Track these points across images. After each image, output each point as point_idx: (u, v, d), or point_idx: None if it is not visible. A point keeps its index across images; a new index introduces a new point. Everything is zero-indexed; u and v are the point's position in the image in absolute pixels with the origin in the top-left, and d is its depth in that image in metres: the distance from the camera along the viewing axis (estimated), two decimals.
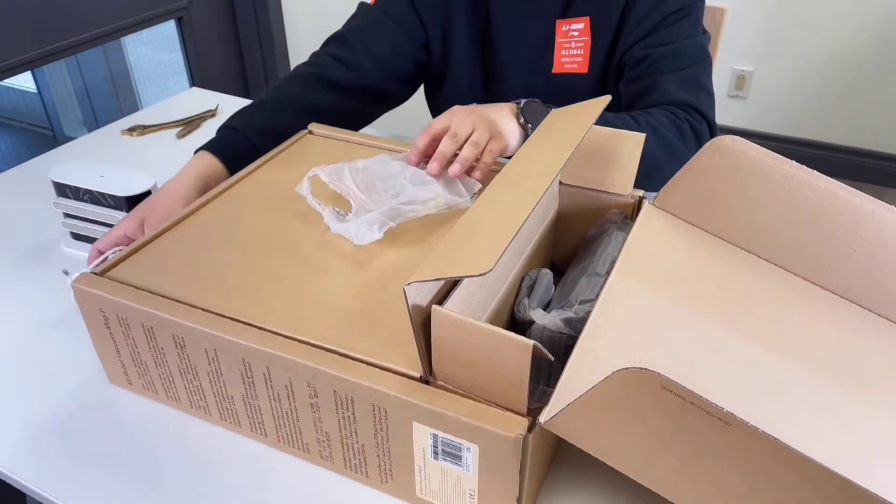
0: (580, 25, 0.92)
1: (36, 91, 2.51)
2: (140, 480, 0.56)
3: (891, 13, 2.15)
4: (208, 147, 0.81)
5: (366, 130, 0.94)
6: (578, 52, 0.93)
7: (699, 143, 0.86)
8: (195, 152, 0.81)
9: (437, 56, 1.01)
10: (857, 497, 0.36)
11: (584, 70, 0.94)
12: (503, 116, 0.76)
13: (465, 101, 1.02)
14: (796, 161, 0.62)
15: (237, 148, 0.81)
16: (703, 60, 0.91)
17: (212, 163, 0.79)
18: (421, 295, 0.47)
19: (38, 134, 2.60)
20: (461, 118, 0.72)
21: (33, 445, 0.59)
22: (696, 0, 0.90)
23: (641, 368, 0.38)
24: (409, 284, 0.44)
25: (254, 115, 0.85)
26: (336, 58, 0.93)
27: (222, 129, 0.84)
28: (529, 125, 0.77)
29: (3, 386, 0.65)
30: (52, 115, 2.51)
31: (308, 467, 0.57)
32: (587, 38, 0.92)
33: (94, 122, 2.44)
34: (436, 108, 1.10)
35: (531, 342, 0.43)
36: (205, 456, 0.58)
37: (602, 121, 0.79)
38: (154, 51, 2.55)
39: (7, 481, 0.58)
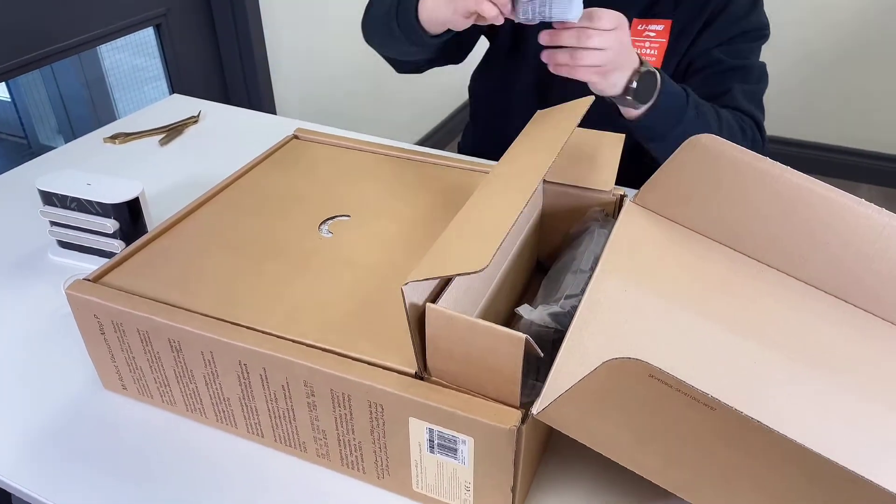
0: (659, 27, 0.95)
1: (9, 99, 2.47)
2: (136, 484, 0.56)
3: (865, 12, 2.20)
4: None
5: (355, 134, 0.96)
6: (652, 52, 0.96)
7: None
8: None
9: (506, 38, 1.04)
10: (838, 475, 0.38)
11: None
12: (626, 68, 0.79)
13: (525, 85, 1.04)
14: (770, 157, 0.64)
15: None
16: (765, 83, 0.98)
17: None
18: (417, 294, 0.48)
19: (12, 143, 2.57)
20: (611, 39, 0.75)
21: (29, 453, 0.59)
22: (767, 28, 0.97)
23: (629, 358, 0.40)
24: (406, 284, 0.46)
25: None
26: None
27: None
28: (635, 94, 0.81)
29: None
30: (27, 123, 2.48)
31: (305, 466, 0.58)
32: (664, 40, 0.96)
33: (70, 130, 2.42)
34: (482, 88, 1.13)
35: (524, 336, 0.44)
36: (201, 458, 0.58)
37: (694, 103, 0.86)
38: (129, 56, 2.53)
39: (3, 488, 0.58)
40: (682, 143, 0.66)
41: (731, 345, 0.56)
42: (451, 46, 0.96)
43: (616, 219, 0.69)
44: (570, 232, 0.73)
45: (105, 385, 0.65)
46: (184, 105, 1.22)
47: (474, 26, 0.93)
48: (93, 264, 0.80)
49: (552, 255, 0.75)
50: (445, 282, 0.51)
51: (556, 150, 0.59)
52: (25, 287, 0.78)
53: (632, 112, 0.85)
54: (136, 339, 0.58)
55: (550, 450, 0.59)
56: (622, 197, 0.70)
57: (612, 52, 0.76)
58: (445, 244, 0.50)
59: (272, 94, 1.76)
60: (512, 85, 1.07)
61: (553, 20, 0.74)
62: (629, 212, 0.68)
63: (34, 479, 0.57)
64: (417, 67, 1.04)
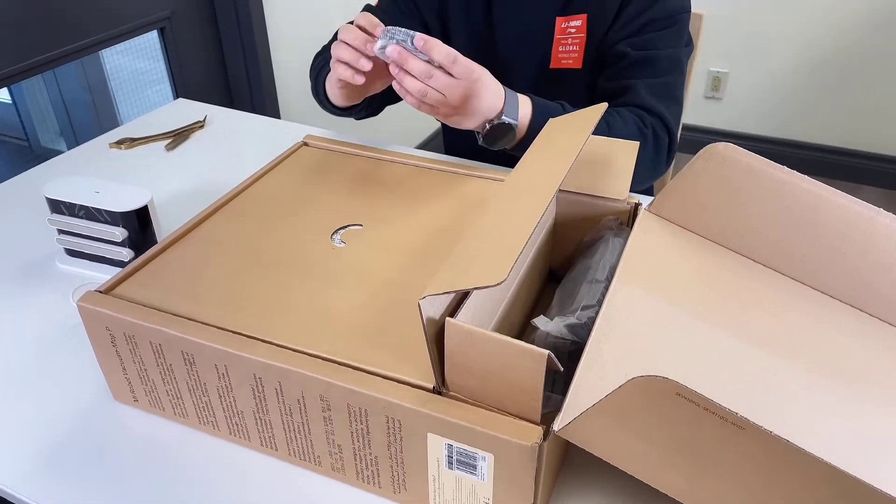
0: (577, 23, 0.94)
1: (11, 102, 2.47)
2: (147, 497, 0.56)
3: (863, 14, 2.20)
4: None
5: (362, 140, 0.95)
6: (574, 48, 0.96)
7: (658, 152, 0.90)
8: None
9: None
10: (868, 496, 0.37)
11: (579, 66, 0.96)
12: (465, 123, 0.81)
13: None
14: (772, 160, 0.64)
15: None
16: (678, 72, 0.94)
17: None
18: (434, 307, 0.47)
19: (13, 145, 2.56)
20: (456, 86, 0.76)
21: (39, 465, 0.58)
22: (683, 11, 0.93)
23: (656, 376, 0.39)
24: (423, 298, 0.45)
25: None
26: None
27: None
28: (483, 139, 0.83)
29: (5, 407, 0.64)
30: (28, 126, 2.47)
31: (320, 480, 0.57)
32: (583, 34, 0.95)
33: (72, 132, 2.41)
34: None
35: (546, 352, 0.44)
36: (213, 471, 0.58)
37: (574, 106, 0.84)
38: (131, 59, 2.53)
39: (12, 500, 0.58)
40: (699, 153, 0.65)
41: (750, 356, 0.55)
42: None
43: (630, 227, 0.68)
44: (583, 240, 0.73)
45: (115, 397, 0.64)
46: (189, 110, 1.21)
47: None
48: (101, 272, 0.80)
49: (565, 263, 0.74)
50: (462, 295, 0.51)
51: (571, 159, 0.58)
52: (33, 296, 0.77)
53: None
54: (149, 351, 0.57)
55: (567, 463, 0.58)
56: (637, 205, 0.69)
57: (453, 100, 0.77)
58: (462, 256, 0.49)
59: (276, 97, 1.76)
60: None
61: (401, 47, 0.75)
62: (644, 221, 0.68)
63: (44, 491, 0.56)
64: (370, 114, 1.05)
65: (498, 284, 0.43)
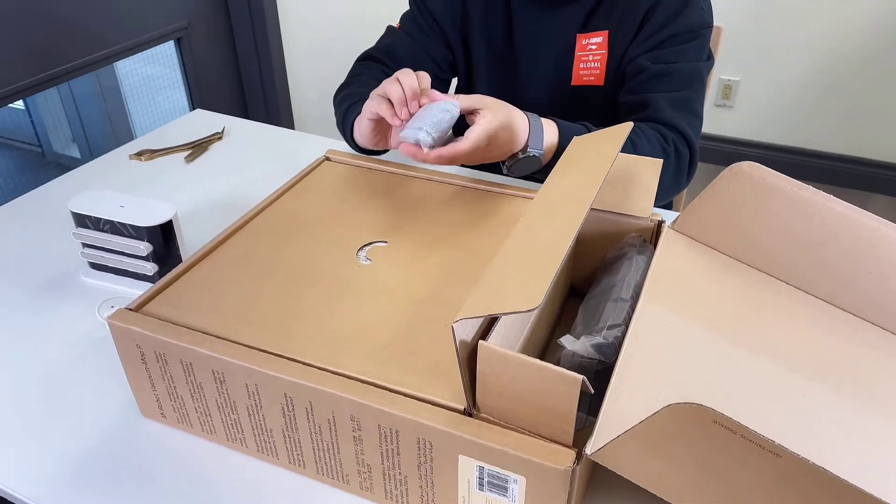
0: (598, 39, 0.95)
1: (24, 108, 2.48)
2: None
3: (873, 23, 2.20)
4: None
5: (383, 155, 0.95)
6: (595, 65, 0.96)
7: (679, 168, 0.90)
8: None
9: (461, 72, 1.05)
10: None
11: (601, 82, 0.96)
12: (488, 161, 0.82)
13: None
14: (782, 168, 0.64)
15: None
16: (697, 86, 0.94)
17: None
18: (466, 330, 0.48)
19: (26, 151, 2.58)
20: (478, 154, 0.77)
21: (65, 479, 0.59)
22: (705, 26, 0.93)
23: (693, 403, 0.39)
24: (456, 322, 0.45)
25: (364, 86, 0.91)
26: (374, 77, 0.97)
27: (361, 101, 0.87)
28: (508, 170, 0.84)
29: (33, 420, 0.65)
30: (42, 132, 2.49)
31: (348, 498, 0.57)
32: (604, 51, 0.95)
33: (85, 139, 2.43)
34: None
35: (580, 377, 0.44)
36: (240, 487, 0.58)
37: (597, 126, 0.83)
38: (141, 65, 2.54)
39: None
40: (723, 171, 0.65)
41: (779, 378, 0.55)
42: None
43: (654, 245, 0.69)
44: (605, 257, 0.73)
45: (143, 412, 0.64)
46: (207, 120, 1.22)
47: (438, 88, 1.00)
48: (125, 286, 0.80)
49: (586, 280, 0.74)
50: (493, 317, 0.51)
51: (601, 179, 0.58)
52: (58, 309, 0.78)
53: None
54: (179, 369, 0.57)
55: (593, 483, 0.58)
56: (660, 223, 0.70)
57: (473, 160, 0.79)
58: (494, 279, 0.49)
59: (290, 106, 1.77)
60: None
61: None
62: (668, 238, 0.68)
63: None
64: None
65: (532, 310, 0.44)
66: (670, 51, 0.92)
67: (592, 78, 0.97)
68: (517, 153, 0.82)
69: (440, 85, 1.06)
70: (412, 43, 1.02)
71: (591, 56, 0.96)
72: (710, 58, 0.96)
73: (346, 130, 0.92)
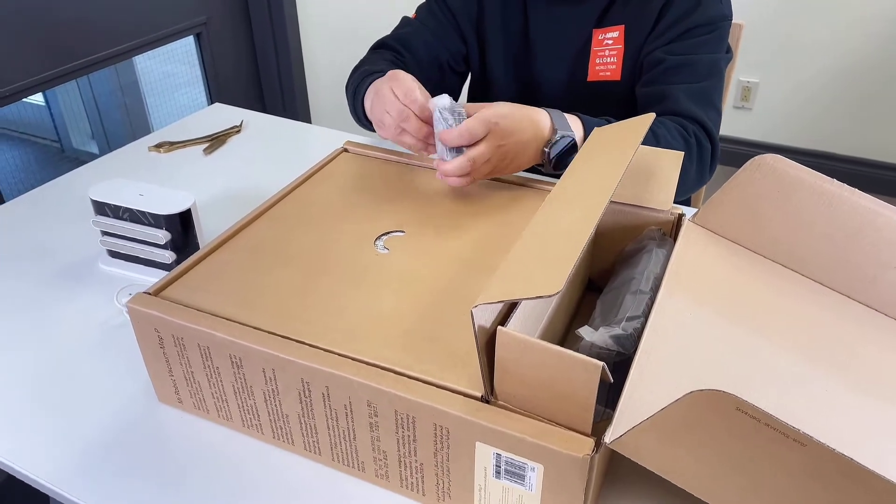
0: (615, 34, 0.94)
1: (44, 104, 2.51)
2: (189, 496, 0.56)
3: (894, 24, 2.17)
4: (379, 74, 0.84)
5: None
6: (612, 59, 0.95)
7: (702, 161, 0.89)
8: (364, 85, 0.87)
9: (476, 67, 1.04)
10: None
11: (617, 77, 0.96)
12: (524, 162, 0.79)
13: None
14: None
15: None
16: (716, 78, 0.92)
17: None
18: (485, 316, 0.47)
19: (45, 146, 2.61)
20: (488, 151, 0.74)
21: (83, 463, 0.59)
22: (724, 18, 0.92)
23: (715, 390, 0.39)
24: (476, 307, 0.45)
25: (379, 65, 0.90)
26: (388, 60, 0.97)
27: (372, 74, 0.86)
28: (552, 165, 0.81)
29: (52, 405, 0.65)
30: (61, 127, 2.52)
31: (362, 485, 0.57)
32: (620, 46, 0.94)
33: (104, 134, 2.45)
34: None
35: (600, 364, 0.44)
36: (255, 473, 0.58)
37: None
38: (159, 63, 2.56)
39: (56, 498, 0.58)
40: (746, 164, 0.64)
41: (799, 371, 0.55)
42: None
43: (674, 238, 0.68)
44: (624, 251, 0.72)
45: (160, 398, 0.64)
46: (225, 114, 1.22)
47: (453, 80, 1.03)
48: (143, 274, 0.81)
49: (604, 273, 0.74)
50: (510, 304, 0.50)
51: (622, 169, 0.58)
52: (77, 296, 0.78)
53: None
54: (196, 353, 0.58)
55: (611, 473, 0.57)
56: (680, 216, 0.69)
57: (494, 170, 0.77)
58: (514, 266, 0.49)
59: (307, 100, 1.77)
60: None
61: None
62: (689, 232, 0.67)
63: (88, 489, 0.57)
64: None
65: (554, 295, 0.43)
66: (688, 43, 0.91)
67: (609, 73, 0.96)
68: (548, 141, 0.80)
69: (455, 77, 1.05)
70: (427, 33, 1.01)
71: (606, 51, 0.95)
72: (728, 51, 0.95)
73: (358, 108, 0.93)
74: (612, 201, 0.70)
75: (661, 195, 0.69)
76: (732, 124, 2.50)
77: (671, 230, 0.70)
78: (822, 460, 0.38)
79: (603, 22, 0.95)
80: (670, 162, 0.71)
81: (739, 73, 2.40)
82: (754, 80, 2.39)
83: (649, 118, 0.66)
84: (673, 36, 0.91)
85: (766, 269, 0.65)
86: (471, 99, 1.13)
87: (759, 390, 0.52)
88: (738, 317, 0.59)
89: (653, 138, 0.84)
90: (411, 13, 1.08)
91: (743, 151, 2.47)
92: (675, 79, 0.91)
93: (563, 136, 0.80)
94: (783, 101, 2.40)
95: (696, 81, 0.90)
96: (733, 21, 1.15)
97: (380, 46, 1.03)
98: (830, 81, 2.31)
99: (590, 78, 0.98)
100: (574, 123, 0.82)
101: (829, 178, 0.63)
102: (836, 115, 2.36)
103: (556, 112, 0.82)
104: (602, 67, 0.97)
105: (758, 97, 2.43)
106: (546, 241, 0.51)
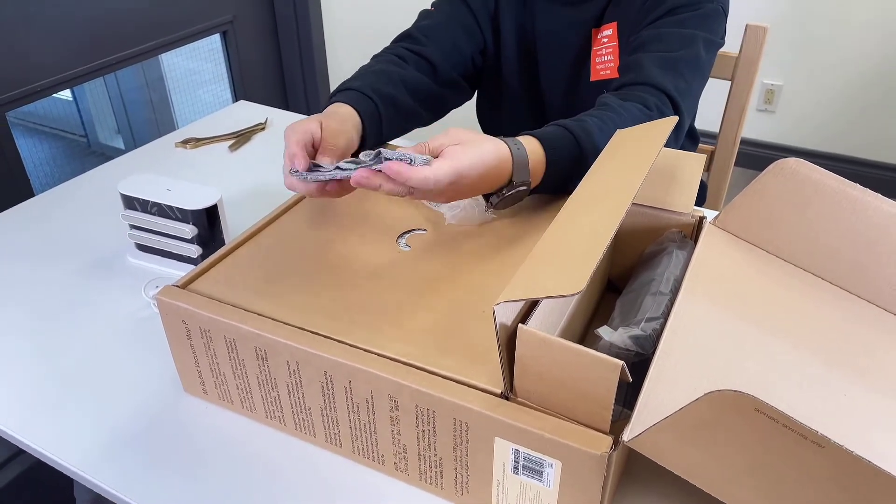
0: (609, 31, 0.94)
1: (72, 99, 2.55)
2: (212, 485, 0.57)
3: None
4: (341, 99, 0.81)
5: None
6: (609, 57, 0.95)
7: None
8: (331, 99, 0.82)
9: (490, 62, 1.04)
10: None
11: (616, 75, 0.96)
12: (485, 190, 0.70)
13: (512, 113, 1.06)
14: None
15: (360, 101, 0.82)
16: (690, 51, 0.87)
17: (350, 111, 0.79)
18: (506, 314, 0.48)
19: (71, 141, 2.65)
20: (434, 193, 0.65)
21: (110, 450, 0.61)
22: (708, 1, 0.89)
23: (734, 391, 0.39)
24: (498, 304, 0.46)
25: (364, 79, 0.87)
26: (408, 49, 0.96)
27: (341, 91, 0.84)
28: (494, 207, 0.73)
29: (80, 393, 0.67)
30: (87, 122, 2.56)
31: (381, 479, 0.58)
32: (615, 42, 0.94)
33: (129, 130, 2.48)
34: (484, 119, 1.13)
35: (620, 362, 0.44)
36: (277, 463, 0.59)
37: (577, 122, 0.76)
38: (184, 59, 2.60)
39: (83, 483, 0.60)
40: (768, 167, 0.65)
41: (820, 376, 0.55)
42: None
43: (694, 240, 0.68)
44: (644, 252, 0.73)
45: (185, 388, 0.66)
46: (250, 111, 1.24)
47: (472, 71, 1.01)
48: (170, 268, 0.82)
49: (624, 274, 0.74)
50: (531, 302, 0.51)
51: (645, 170, 0.58)
52: (105, 289, 0.80)
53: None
54: (223, 345, 0.59)
55: (628, 472, 0.58)
56: (701, 219, 0.69)
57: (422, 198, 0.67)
58: (536, 265, 0.50)
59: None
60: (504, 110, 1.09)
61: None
62: (710, 234, 0.67)
63: (115, 475, 0.59)
64: (443, 102, 1.02)
65: (575, 295, 0.44)
66: (669, 20, 0.88)
67: (608, 71, 0.96)
68: (503, 187, 0.70)
69: (472, 71, 1.04)
70: (445, 25, 1.01)
71: (604, 49, 0.95)
72: (718, 35, 0.91)
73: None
74: (633, 203, 0.71)
75: (682, 198, 0.70)
76: (755, 127, 2.48)
77: (692, 233, 0.70)
78: (841, 463, 0.38)
79: (600, 21, 0.96)
80: (692, 164, 0.71)
81: (763, 76, 2.38)
82: (778, 82, 2.37)
83: (672, 121, 0.66)
84: (655, 17, 0.90)
85: (786, 273, 0.65)
86: (480, 99, 1.12)
87: (777, 392, 0.52)
88: (758, 319, 0.59)
89: (608, 123, 0.77)
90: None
91: (766, 155, 2.45)
92: (646, 49, 0.87)
93: (516, 190, 0.70)
94: (807, 104, 2.38)
95: (667, 52, 0.86)
96: (759, 24, 1.15)
97: (403, 38, 1.02)
98: (855, 84, 2.28)
99: (592, 78, 0.98)
100: (532, 151, 0.72)
101: (852, 182, 0.63)
102: (861, 119, 2.34)
103: (521, 153, 0.71)
104: (602, 66, 0.97)
105: (781, 100, 2.41)
106: (568, 241, 0.52)
